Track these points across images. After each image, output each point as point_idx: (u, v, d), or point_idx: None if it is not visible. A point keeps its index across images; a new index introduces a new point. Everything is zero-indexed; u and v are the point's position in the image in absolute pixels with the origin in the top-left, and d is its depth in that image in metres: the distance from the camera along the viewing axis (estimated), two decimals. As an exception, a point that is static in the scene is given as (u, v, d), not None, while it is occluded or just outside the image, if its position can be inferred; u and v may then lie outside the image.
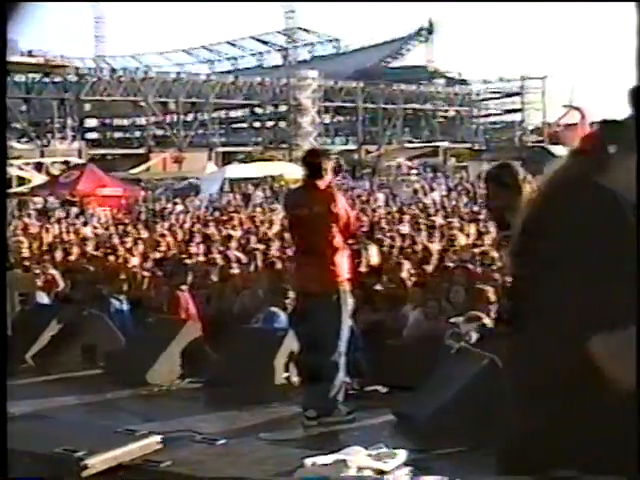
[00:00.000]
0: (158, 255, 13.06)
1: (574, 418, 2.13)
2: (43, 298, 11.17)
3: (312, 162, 7.19)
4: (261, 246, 12.44)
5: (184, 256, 12.14)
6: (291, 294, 8.86)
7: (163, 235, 15.52)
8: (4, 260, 10.01)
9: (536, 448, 2.16)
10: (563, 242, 2.14)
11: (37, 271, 11.84)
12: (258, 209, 24.79)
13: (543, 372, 2.16)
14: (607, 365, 2.08)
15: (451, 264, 10.37)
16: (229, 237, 14.15)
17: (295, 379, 7.95)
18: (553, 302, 2.14)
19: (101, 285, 11.43)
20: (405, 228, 14.63)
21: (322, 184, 7.06)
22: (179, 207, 28.23)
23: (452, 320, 7.89)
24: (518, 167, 4.64)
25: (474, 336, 7.08)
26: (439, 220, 15.80)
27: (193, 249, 12.94)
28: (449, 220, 15.23)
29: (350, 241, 7.32)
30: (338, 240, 6.97)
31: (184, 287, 10.26)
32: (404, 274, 9.84)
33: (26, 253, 14.14)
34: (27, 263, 13.05)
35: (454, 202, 24.95)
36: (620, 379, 2.07)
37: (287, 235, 10.89)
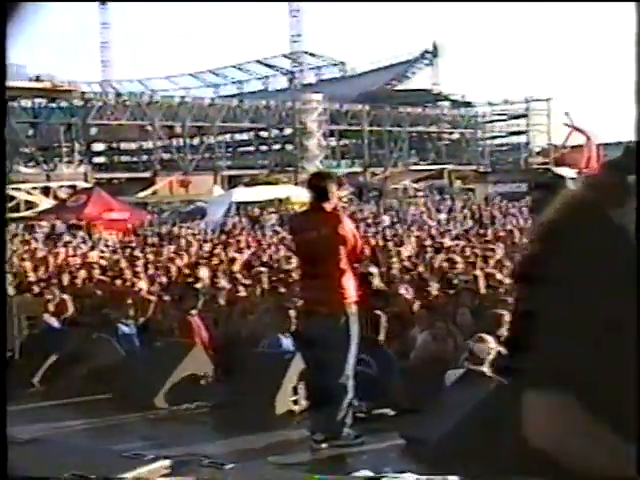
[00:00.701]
0: (165, 279, 13.08)
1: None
2: (52, 322, 11.19)
3: (318, 185, 7.20)
4: (266, 269, 12.46)
5: (192, 280, 12.15)
6: (294, 317, 8.91)
7: (170, 259, 15.55)
8: (4, 265, 10.05)
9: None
10: (562, 275, 2.10)
11: (49, 296, 11.84)
12: (268, 232, 24.87)
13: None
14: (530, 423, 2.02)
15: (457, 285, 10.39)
16: (234, 260, 14.18)
17: (303, 402, 7.94)
18: (541, 340, 2.09)
19: (108, 309, 11.44)
20: (408, 250, 14.64)
21: (328, 207, 7.07)
22: (185, 231, 28.29)
23: (467, 342, 7.89)
24: None
25: (489, 358, 7.06)
26: (446, 242, 15.81)
27: (200, 273, 12.96)
28: (456, 242, 15.23)
29: (356, 264, 7.34)
30: (345, 262, 6.98)
31: (194, 311, 10.27)
32: (409, 296, 9.84)
33: (33, 277, 14.18)
34: (35, 287, 13.07)
35: (460, 224, 24.94)
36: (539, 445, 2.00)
37: (293, 258, 10.93)
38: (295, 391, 8.18)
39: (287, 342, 9.02)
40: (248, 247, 18.25)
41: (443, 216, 31.08)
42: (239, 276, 12.12)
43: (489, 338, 7.06)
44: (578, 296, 2.07)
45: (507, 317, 8.12)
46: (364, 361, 8.27)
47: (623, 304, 2.02)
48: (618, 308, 2.03)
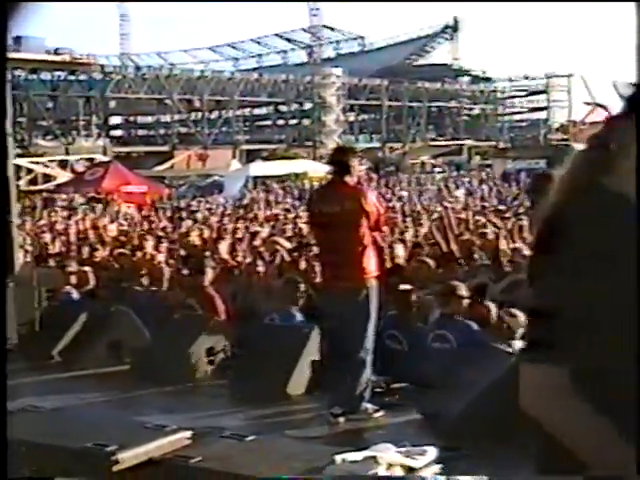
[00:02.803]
0: (184, 252, 13.10)
1: None
2: (73, 294, 11.22)
3: (340, 160, 7.18)
4: (285, 243, 12.45)
5: (210, 253, 12.16)
6: (305, 291, 8.92)
7: (188, 232, 15.58)
8: (4, 259, 10.10)
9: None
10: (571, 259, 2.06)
11: (70, 268, 11.87)
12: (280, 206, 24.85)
13: None
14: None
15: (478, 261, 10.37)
16: (254, 234, 14.18)
17: (321, 376, 7.95)
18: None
19: (127, 282, 11.47)
20: (427, 226, 14.58)
21: (351, 181, 7.07)
22: (203, 204, 28.31)
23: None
24: None
25: (519, 332, 7.02)
26: (464, 217, 15.73)
27: (219, 246, 12.97)
28: (476, 218, 15.15)
29: (378, 238, 7.33)
30: (368, 237, 6.97)
31: (207, 283, 10.28)
32: (427, 270, 9.83)
33: (52, 250, 14.24)
34: (54, 259, 13.12)
35: (479, 200, 24.83)
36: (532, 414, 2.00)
37: (309, 232, 10.91)
38: (313, 364, 8.19)
39: (299, 315, 9.01)
40: (267, 221, 18.24)
41: (461, 192, 30.97)
42: (259, 250, 12.12)
43: (518, 312, 7.01)
44: (588, 280, 2.04)
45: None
46: (394, 337, 8.26)
47: (628, 276, 2.00)
48: (624, 280, 2.02)
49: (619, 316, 1.93)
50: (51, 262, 13.27)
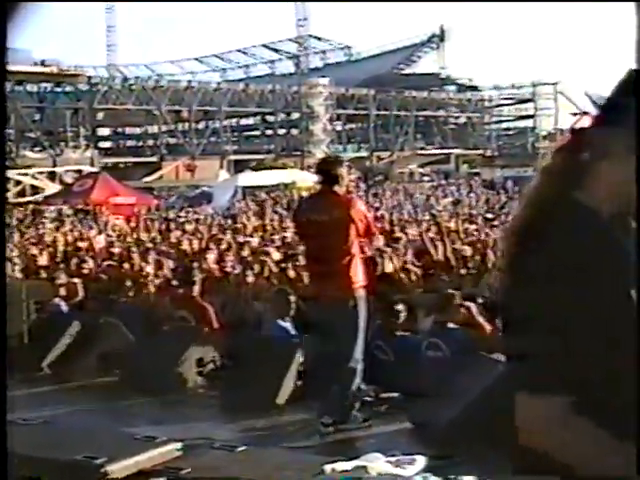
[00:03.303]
0: (172, 263, 13.09)
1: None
2: (62, 306, 11.21)
3: (328, 169, 7.20)
4: (273, 253, 12.46)
5: (198, 264, 12.15)
6: (295, 302, 8.93)
7: (177, 243, 15.56)
8: (3, 260, 10.08)
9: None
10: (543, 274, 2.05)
11: (59, 280, 11.85)
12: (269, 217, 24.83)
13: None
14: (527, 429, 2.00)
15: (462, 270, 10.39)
16: (242, 244, 14.18)
17: (311, 386, 7.96)
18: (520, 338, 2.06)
19: (116, 293, 11.47)
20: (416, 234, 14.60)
21: (340, 190, 7.09)
22: (192, 215, 28.28)
23: None
24: None
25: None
26: (452, 226, 15.76)
27: (208, 257, 12.96)
28: (465, 227, 15.19)
29: (366, 247, 7.35)
30: (356, 246, 6.99)
31: (196, 294, 10.29)
32: (415, 279, 9.86)
33: (41, 262, 14.21)
34: (43, 271, 13.10)
35: (466, 209, 24.89)
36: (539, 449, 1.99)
37: (296, 242, 10.93)
38: (300, 375, 8.20)
39: (289, 327, 9.03)
40: (255, 231, 18.24)
41: (449, 200, 31.05)
42: (248, 260, 12.13)
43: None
44: (560, 293, 2.04)
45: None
46: (380, 348, 8.29)
47: (609, 293, 2.00)
48: (605, 299, 2.01)
49: (597, 328, 1.94)
50: (39, 274, 13.24)
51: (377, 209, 25.33)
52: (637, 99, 2.04)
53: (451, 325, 7.98)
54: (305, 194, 22.33)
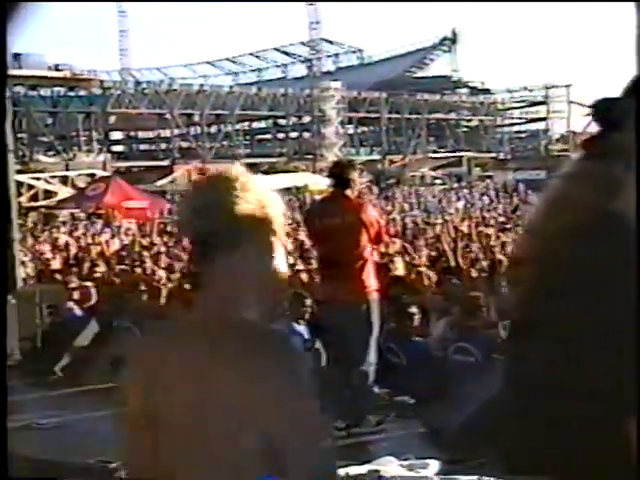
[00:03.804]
0: (184, 266, 13.10)
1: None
2: (76, 310, 11.24)
3: (340, 173, 7.21)
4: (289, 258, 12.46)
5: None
6: (310, 305, 8.92)
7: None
8: (4, 258, 10.11)
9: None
10: (588, 296, 2.03)
11: (72, 284, 11.88)
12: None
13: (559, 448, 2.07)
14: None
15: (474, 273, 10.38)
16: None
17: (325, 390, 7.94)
18: (579, 373, 2.03)
19: (129, 297, 11.49)
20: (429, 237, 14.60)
21: (351, 194, 7.09)
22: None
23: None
24: None
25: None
26: (464, 229, 15.75)
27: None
28: (479, 230, 15.17)
29: (377, 252, 7.35)
30: (368, 250, 6.99)
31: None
32: (428, 283, 9.85)
33: (54, 266, 14.25)
34: (56, 275, 13.13)
35: (479, 211, 24.87)
36: None
37: (309, 246, 10.92)
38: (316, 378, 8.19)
39: (302, 330, 9.02)
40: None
41: (461, 204, 31.02)
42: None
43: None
44: (598, 306, 2.01)
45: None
46: (393, 351, 8.28)
47: None
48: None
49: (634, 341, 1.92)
50: (53, 278, 13.28)
51: (389, 213, 25.33)
52: (637, 100, 2.04)
53: (477, 329, 7.97)
54: (317, 197, 22.34)
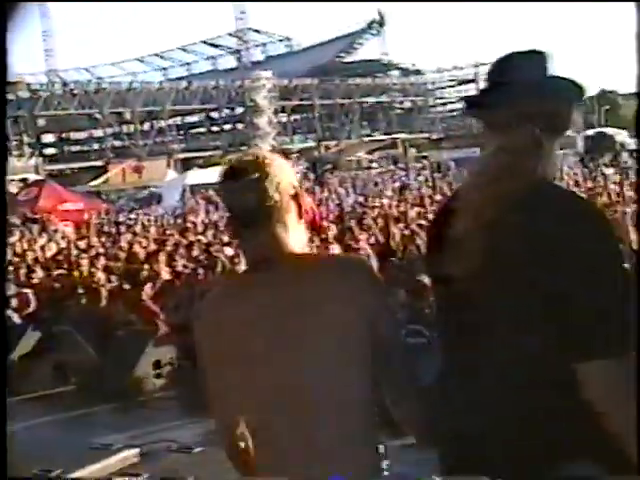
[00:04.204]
0: (122, 266, 12.99)
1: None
2: (14, 318, 11.07)
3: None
4: (226, 250, 12.41)
5: (149, 266, 12.07)
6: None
7: (128, 246, 15.44)
8: (4, 262, 9.93)
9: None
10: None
11: (10, 292, 11.70)
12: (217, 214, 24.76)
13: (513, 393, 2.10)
14: (602, 395, 2.00)
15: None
16: (192, 243, 14.12)
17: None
18: (530, 316, 2.06)
19: (69, 302, 11.36)
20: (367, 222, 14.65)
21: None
22: (142, 217, 28.09)
23: None
24: None
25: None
26: (401, 210, 15.84)
27: (159, 258, 12.88)
28: (416, 210, 15.28)
29: (314, 239, 7.33)
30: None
31: (146, 297, 10.21)
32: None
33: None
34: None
35: (415, 191, 24.99)
36: (614, 412, 2.00)
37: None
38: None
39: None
40: (206, 229, 18.16)
41: (396, 185, 31.17)
42: (200, 259, 12.08)
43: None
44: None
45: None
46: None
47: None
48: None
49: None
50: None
51: (326, 199, 25.36)
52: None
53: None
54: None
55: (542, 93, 2.19)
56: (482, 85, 2.34)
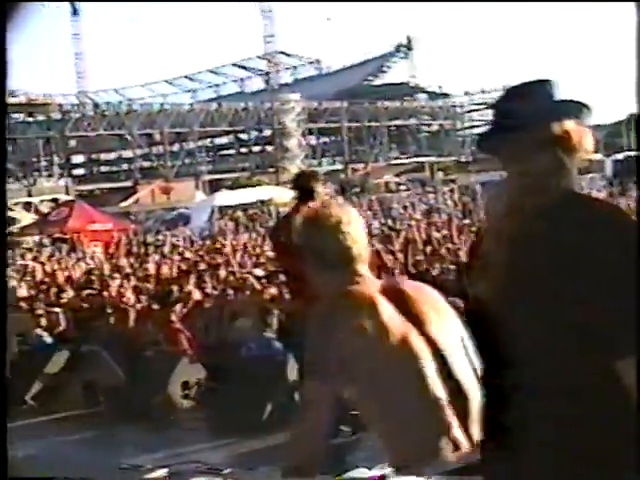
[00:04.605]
0: (151, 287, 13.05)
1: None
2: (44, 337, 11.15)
3: (303, 185, 7.18)
4: (256, 271, 12.45)
5: (178, 287, 12.11)
6: (278, 319, 8.91)
7: (156, 267, 15.51)
8: (5, 266, 10.01)
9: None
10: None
11: (39, 311, 11.79)
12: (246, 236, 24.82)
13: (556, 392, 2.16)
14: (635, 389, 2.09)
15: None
16: (218, 266, 14.15)
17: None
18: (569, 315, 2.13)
19: (97, 322, 11.41)
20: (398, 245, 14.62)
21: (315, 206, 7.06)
22: (170, 238, 28.20)
23: None
24: None
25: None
26: (432, 234, 15.80)
27: (187, 279, 12.93)
28: (443, 233, 15.23)
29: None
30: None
31: (175, 318, 10.24)
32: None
33: (20, 293, 14.12)
34: (23, 303, 13.02)
35: (444, 215, 24.93)
36: None
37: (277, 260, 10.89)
38: (289, 391, 8.18)
39: (274, 343, 9.01)
40: (234, 251, 18.21)
41: (424, 208, 31.14)
42: (229, 280, 12.12)
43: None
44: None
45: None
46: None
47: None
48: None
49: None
50: (20, 306, 13.16)
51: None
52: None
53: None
54: (282, 210, 22.32)
55: (552, 117, 2.28)
56: (490, 120, 2.50)
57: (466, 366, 2.67)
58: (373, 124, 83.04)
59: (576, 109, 2.32)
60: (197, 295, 11.50)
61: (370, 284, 2.91)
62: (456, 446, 2.70)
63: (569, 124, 2.28)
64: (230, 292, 11.22)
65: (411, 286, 2.93)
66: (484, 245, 2.30)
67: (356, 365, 2.73)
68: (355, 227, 2.94)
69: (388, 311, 2.77)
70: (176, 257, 17.90)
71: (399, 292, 2.84)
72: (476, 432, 2.66)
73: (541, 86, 2.34)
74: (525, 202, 2.21)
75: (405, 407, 2.76)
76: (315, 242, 3.02)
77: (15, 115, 65.19)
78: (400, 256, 11.40)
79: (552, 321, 2.13)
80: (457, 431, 2.69)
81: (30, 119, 66.58)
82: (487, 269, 2.24)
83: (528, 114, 2.27)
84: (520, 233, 2.20)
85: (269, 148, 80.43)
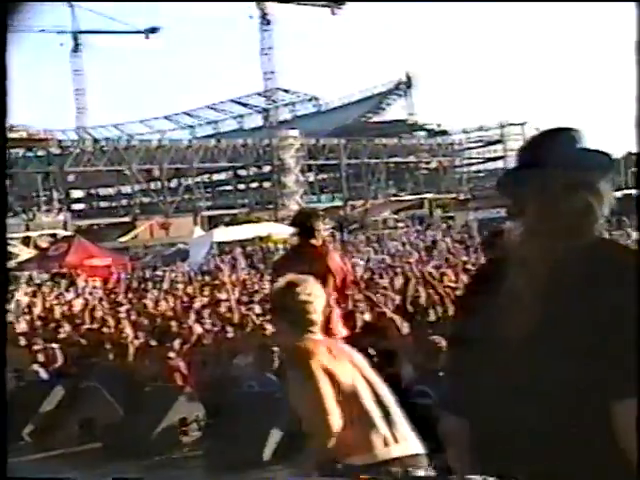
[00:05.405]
0: (149, 323, 13.02)
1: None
2: (41, 373, 11.11)
3: (304, 222, 7.21)
4: (255, 308, 12.42)
5: (177, 323, 12.10)
6: (277, 355, 8.89)
7: (155, 303, 15.49)
8: (5, 269, 9.96)
9: None
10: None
11: (37, 346, 11.75)
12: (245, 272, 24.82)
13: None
14: (630, 433, 2.09)
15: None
16: (219, 301, 14.13)
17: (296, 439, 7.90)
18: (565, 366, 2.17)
19: (96, 357, 11.38)
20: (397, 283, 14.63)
21: (317, 243, 7.09)
22: (168, 274, 28.18)
23: None
24: None
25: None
26: (430, 270, 15.78)
27: (185, 315, 12.91)
28: (441, 271, 15.22)
29: (344, 299, 7.34)
30: (333, 298, 6.98)
31: (174, 354, 10.21)
32: (396, 328, 9.84)
33: (19, 328, 14.08)
34: (21, 338, 12.99)
35: (442, 252, 24.99)
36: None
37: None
38: (288, 428, 8.14)
39: (274, 380, 8.99)
40: (233, 287, 18.19)
41: (423, 246, 31.17)
42: (226, 316, 12.09)
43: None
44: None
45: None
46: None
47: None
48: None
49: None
50: (18, 341, 13.11)
51: (352, 258, 25.36)
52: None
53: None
54: (282, 247, 22.36)
55: (582, 164, 2.37)
56: (514, 163, 2.52)
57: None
58: (372, 161, 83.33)
59: (602, 158, 2.43)
60: (199, 329, 11.48)
61: (316, 342, 4.01)
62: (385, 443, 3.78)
63: (596, 171, 2.39)
64: (229, 329, 11.20)
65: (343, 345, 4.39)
66: (496, 283, 2.33)
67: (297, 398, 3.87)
68: (319, 301, 4.19)
69: (325, 358, 3.90)
70: (175, 293, 17.88)
71: (336, 347, 4.16)
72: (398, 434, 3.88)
73: (571, 134, 2.43)
74: (556, 245, 2.29)
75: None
76: (286, 304, 4.13)
77: (15, 150, 65.41)
78: (398, 297, 11.38)
79: (573, 366, 2.16)
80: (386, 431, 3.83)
81: (30, 154, 66.78)
82: (504, 308, 2.28)
83: (558, 160, 2.35)
84: (551, 275, 2.25)
85: (267, 185, 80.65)
